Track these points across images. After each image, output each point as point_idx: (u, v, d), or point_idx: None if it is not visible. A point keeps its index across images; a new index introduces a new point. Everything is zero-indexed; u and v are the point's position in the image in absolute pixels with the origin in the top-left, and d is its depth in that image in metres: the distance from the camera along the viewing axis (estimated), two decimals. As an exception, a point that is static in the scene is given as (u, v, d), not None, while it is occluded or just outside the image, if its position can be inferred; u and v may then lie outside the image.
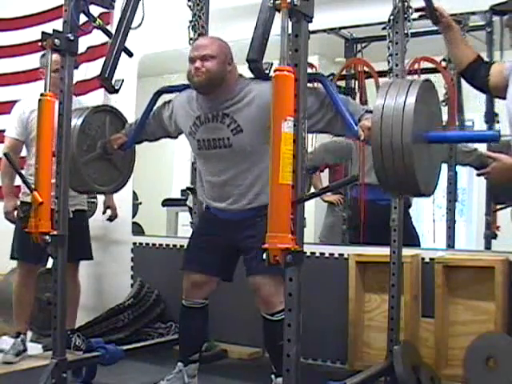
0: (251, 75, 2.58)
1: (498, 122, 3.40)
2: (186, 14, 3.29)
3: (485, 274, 3.01)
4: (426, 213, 3.99)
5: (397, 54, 2.80)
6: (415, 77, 3.33)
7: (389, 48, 2.83)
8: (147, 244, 4.21)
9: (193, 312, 2.87)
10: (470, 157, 3.65)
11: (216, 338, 3.52)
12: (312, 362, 3.50)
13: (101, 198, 4.00)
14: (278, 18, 2.08)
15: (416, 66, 3.40)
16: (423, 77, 3.37)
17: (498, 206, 3.36)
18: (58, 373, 2.65)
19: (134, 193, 4.43)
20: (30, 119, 3.50)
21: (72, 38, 2.70)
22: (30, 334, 3.83)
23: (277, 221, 2.00)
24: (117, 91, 2.86)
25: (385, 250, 2.96)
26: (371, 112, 2.37)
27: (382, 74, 3.15)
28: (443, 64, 3.43)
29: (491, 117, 3.67)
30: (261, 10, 2.23)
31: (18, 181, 3.57)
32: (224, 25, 3.76)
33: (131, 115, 4.36)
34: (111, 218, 3.95)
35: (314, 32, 2.42)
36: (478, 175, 2.37)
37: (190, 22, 3.28)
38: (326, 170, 4.24)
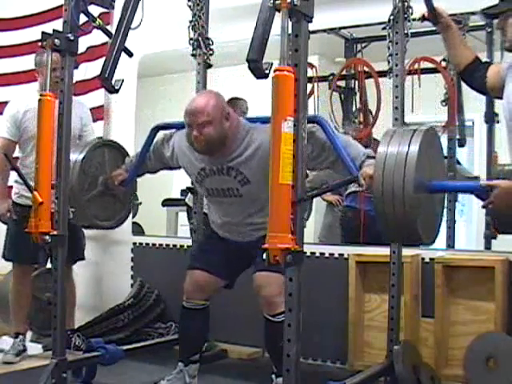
0: (251, 75, 2.57)
1: (498, 122, 3.40)
2: (186, 14, 3.29)
3: (485, 274, 3.01)
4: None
5: (397, 54, 2.80)
6: (415, 77, 3.33)
7: (389, 48, 2.83)
8: (147, 244, 4.21)
9: (193, 313, 2.87)
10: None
11: (216, 338, 3.51)
12: (312, 362, 3.49)
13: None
14: (277, 18, 2.08)
15: (416, 66, 3.40)
16: (423, 77, 3.38)
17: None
18: (58, 373, 2.65)
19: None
20: (24, 119, 3.43)
21: (72, 37, 2.70)
22: (29, 334, 3.84)
23: (277, 221, 2.00)
24: (117, 91, 2.86)
25: (385, 250, 2.96)
26: (372, 157, 2.39)
27: (382, 73, 3.15)
28: (443, 64, 3.43)
29: (491, 117, 3.67)
30: (261, 9, 2.22)
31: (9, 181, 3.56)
32: (224, 25, 3.76)
33: (131, 115, 4.41)
34: None
35: (314, 32, 2.42)
36: (483, 207, 2.29)
37: (190, 22, 3.28)
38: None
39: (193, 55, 3.32)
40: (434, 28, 2.61)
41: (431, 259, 3.21)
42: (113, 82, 2.83)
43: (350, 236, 3.88)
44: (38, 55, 3.38)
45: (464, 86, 2.89)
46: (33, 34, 4.44)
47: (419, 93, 3.25)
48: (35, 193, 2.65)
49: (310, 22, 2.12)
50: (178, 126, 2.89)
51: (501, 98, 2.43)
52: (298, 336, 2.11)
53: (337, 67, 4.09)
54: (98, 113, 4.37)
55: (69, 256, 2.84)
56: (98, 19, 2.99)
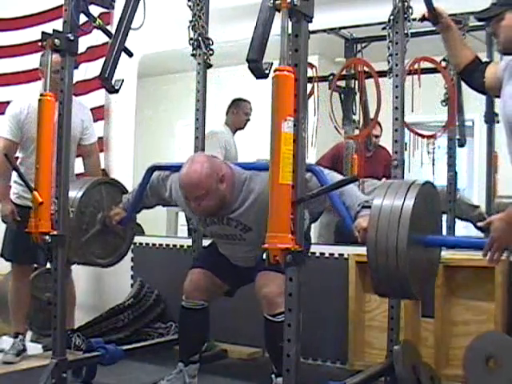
0: (251, 76, 2.57)
1: (498, 122, 3.40)
2: (186, 14, 3.29)
3: (485, 274, 3.01)
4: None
5: (397, 54, 2.80)
6: (415, 77, 3.33)
7: (389, 48, 2.83)
8: (147, 244, 4.21)
9: (192, 313, 2.87)
10: (473, 212, 3.69)
11: (216, 338, 3.51)
12: (312, 362, 3.49)
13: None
14: (277, 18, 2.08)
15: (416, 66, 3.40)
16: (423, 77, 3.38)
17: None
18: (58, 373, 2.66)
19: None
20: (26, 120, 3.41)
21: (72, 37, 2.71)
22: (29, 334, 3.84)
23: (277, 221, 2.00)
24: (117, 91, 2.86)
25: (385, 250, 2.96)
26: (368, 207, 2.38)
27: (382, 73, 3.15)
28: (443, 64, 3.43)
29: (491, 117, 3.68)
30: (261, 9, 2.22)
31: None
32: (224, 25, 3.76)
33: (131, 115, 4.41)
34: None
35: (313, 32, 2.42)
36: (485, 253, 2.23)
37: (190, 22, 3.28)
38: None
39: (193, 55, 3.32)
40: (433, 28, 2.61)
41: (431, 259, 3.21)
42: (113, 82, 2.83)
43: (345, 238, 3.86)
44: (43, 55, 3.37)
45: (464, 85, 2.89)
46: (33, 34, 4.45)
47: (419, 93, 3.25)
48: (35, 193, 2.65)
49: (310, 21, 2.12)
50: (175, 168, 2.86)
51: (499, 96, 2.43)
52: (297, 336, 2.11)
53: (337, 67, 4.09)
54: (99, 113, 4.37)
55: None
56: (98, 19, 2.99)
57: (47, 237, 2.66)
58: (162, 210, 4.75)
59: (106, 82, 2.81)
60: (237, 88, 4.75)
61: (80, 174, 3.68)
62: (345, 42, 4.16)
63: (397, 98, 2.82)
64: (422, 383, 2.85)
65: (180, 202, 2.84)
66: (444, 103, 3.54)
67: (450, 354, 3.10)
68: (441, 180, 3.76)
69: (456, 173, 3.65)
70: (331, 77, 3.92)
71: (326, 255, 3.54)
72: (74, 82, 2.82)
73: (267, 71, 2.16)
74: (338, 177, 2.61)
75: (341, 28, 4.02)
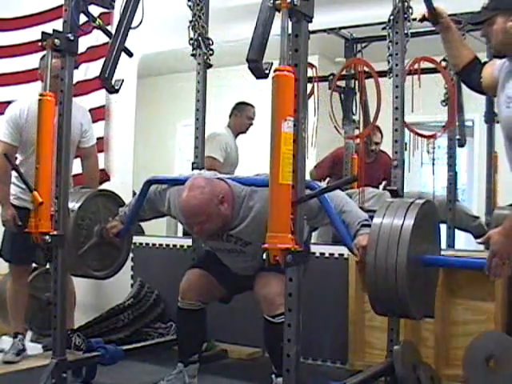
0: (251, 76, 2.57)
1: (498, 122, 3.39)
2: (186, 14, 3.29)
3: (485, 274, 3.00)
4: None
5: (397, 54, 2.80)
6: (415, 77, 3.33)
7: (389, 48, 2.83)
8: (147, 244, 4.21)
9: (187, 314, 2.88)
10: (473, 222, 3.69)
11: (216, 338, 3.52)
12: (312, 362, 3.49)
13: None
14: (277, 18, 2.08)
15: (416, 66, 3.40)
16: (423, 77, 3.38)
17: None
18: (58, 373, 2.66)
19: (134, 193, 4.42)
20: (25, 122, 3.38)
21: (72, 37, 2.71)
22: (29, 334, 3.84)
23: (277, 221, 2.00)
24: (117, 91, 2.86)
25: (385, 250, 2.96)
26: (368, 225, 2.38)
27: (382, 73, 3.15)
28: (443, 64, 3.43)
29: (491, 117, 3.68)
30: (261, 9, 2.22)
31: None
32: (224, 25, 3.76)
33: (131, 115, 4.41)
34: None
35: (313, 32, 2.42)
36: (488, 271, 2.25)
37: (190, 22, 3.28)
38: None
39: (193, 55, 3.32)
40: (433, 28, 2.61)
41: (431, 259, 3.21)
42: (113, 82, 2.83)
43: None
44: (42, 59, 3.36)
45: (464, 86, 2.89)
46: (33, 34, 4.44)
47: (419, 93, 3.25)
48: (35, 193, 2.65)
49: (310, 21, 2.12)
50: (173, 182, 2.87)
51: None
52: (297, 336, 2.11)
53: (337, 67, 4.09)
54: (99, 113, 4.37)
55: None
56: (98, 19, 2.99)
57: (47, 237, 2.66)
58: (162, 210, 4.78)
59: (106, 82, 2.82)
60: (237, 88, 4.75)
61: (78, 175, 3.68)
62: (345, 42, 4.16)
63: (397, 98, 2.81)
64: (422, 383, 2.85)
65: (179, 218, 2.83)
66: (444, 103, 3.54)
67: (450, 353, 3.10)
68: (441, 180, 3.76)
69: (456, 173, 3.65)
70: (331, 77, 3.92)
71: (326, 255, 3.54)
72: (74, 82, 2.82)
73: (267, 71, 2.17)
74: (337, 194, 2.56)
75: (341, 28, 4.02)
